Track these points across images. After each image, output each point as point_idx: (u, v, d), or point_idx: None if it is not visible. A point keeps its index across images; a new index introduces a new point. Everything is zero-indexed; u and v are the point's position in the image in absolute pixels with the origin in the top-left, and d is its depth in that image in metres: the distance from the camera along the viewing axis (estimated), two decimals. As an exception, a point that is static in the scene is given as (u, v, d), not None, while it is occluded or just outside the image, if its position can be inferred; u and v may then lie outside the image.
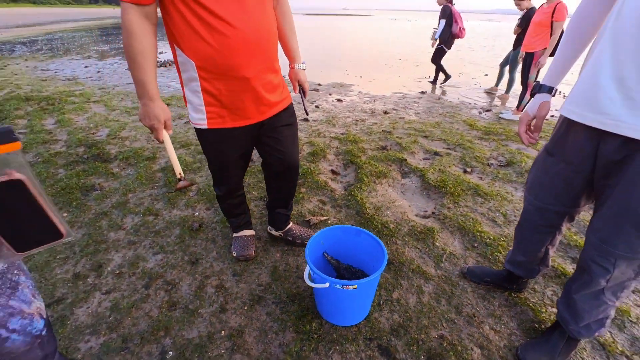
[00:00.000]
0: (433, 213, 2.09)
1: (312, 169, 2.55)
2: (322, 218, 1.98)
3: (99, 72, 6.39)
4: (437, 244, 1.78)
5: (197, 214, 2.00)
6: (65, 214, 1.95)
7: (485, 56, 10.11)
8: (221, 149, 1.24)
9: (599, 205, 0.99)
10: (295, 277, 1.53)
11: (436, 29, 5.41)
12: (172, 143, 2.88)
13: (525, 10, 4.24)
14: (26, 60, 7.60)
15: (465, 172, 2.60)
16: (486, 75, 6.97)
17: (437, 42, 5.44)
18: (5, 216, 0.51)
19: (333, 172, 2.58)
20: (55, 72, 6.25)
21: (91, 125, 3.40)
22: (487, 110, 4.41)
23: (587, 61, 0.93)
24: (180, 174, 1.11)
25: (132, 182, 2.31)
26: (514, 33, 4.49)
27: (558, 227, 1.22)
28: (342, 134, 3.35)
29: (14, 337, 0.66)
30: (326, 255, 1.39)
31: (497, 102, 4.97)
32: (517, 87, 4.49)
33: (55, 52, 9.11)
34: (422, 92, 5.47)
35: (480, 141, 3.23)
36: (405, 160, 2.74)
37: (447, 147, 3.07)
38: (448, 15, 5.19)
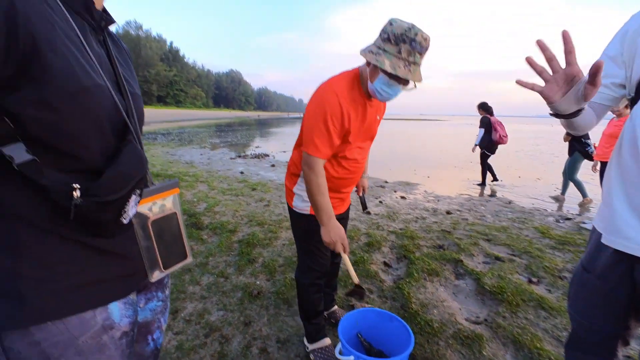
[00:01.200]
0: (485, 320, 1.99)
1: (365, 258, 2.72)
2: (367, 306, 2.07)
3: (209, 159, 8.07)
4: (484, 352, 1.68)
5: (258, 282, 2.30)
6: (162, 266, 2.46)
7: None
8: (316, 229, 1.43)
9: None
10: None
11: (477, 135, 5.97)
12: (252, 220, 3.47)
13: None
14: (162, 146, 10.10)
15: (530, 282, 2.43)
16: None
17: (477, 147, 5.99)
18: (163, 239, 0.64)
19: (385, 264, 2.69)
20: (179, 157, 8.12)
21: (195, 199, 4.28)
22: (567, 219, 4.09)
23: (604, 186, 1.05)
24: (357, 280, 1.40)
25: (215, 248, 2.81)
26: (565, 141, 4.86)
27: (611, 350, 1.15)
28: (400, 229, 3.50)
29: (151, 344, 0.81)
30: (360, 336, 1.49)
31: (577, 210, 4.58)
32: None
33: (183, 142, 11.89)
34: (491, 195, 5.39)
35: (552, 250, 3.00)
36: (462, 261, 2.70)
37: (511, 253, 2.93)
38: (486, 124, 5.79)
